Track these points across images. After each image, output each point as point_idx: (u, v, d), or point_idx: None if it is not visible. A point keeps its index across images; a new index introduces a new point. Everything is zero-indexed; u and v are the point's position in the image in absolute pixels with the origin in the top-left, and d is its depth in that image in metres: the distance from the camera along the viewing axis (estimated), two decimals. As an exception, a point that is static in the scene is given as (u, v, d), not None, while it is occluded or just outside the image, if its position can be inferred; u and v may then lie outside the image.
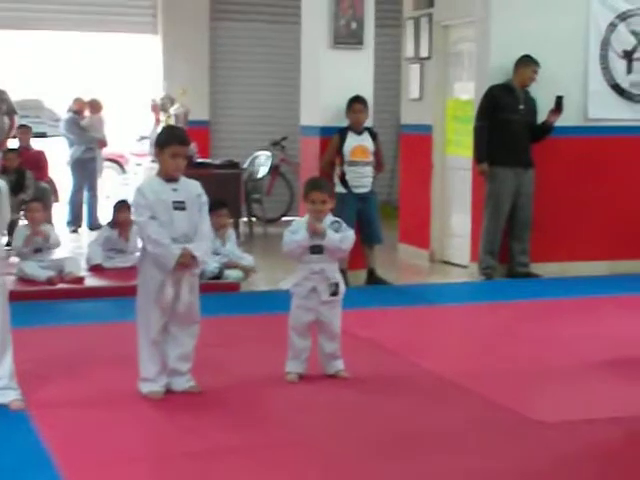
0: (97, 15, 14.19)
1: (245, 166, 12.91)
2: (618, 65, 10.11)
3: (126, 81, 16.04)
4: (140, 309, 5.63)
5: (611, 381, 6.17)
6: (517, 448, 4.89)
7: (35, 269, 8.79)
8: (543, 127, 9.72)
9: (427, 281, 10.11)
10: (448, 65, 10.82)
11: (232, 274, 8.95)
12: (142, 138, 14.01)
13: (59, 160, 13.14)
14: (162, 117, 12.76)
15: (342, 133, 9.13)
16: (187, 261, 5.51)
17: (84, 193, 12.96)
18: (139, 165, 14.15)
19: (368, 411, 5.46)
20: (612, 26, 10.06)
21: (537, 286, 9.46)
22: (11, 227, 9.18)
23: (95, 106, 13.13)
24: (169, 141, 5.59)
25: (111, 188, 14.83)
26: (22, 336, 6.57)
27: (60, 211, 12.62)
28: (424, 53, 10.90)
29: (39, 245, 9.01)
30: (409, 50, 11.19)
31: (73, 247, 11.04)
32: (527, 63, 9.60)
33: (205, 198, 5.70)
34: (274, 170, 13.97)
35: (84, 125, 12.89)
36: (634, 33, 10.13)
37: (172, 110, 12.56)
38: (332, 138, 9.16)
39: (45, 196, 11.63)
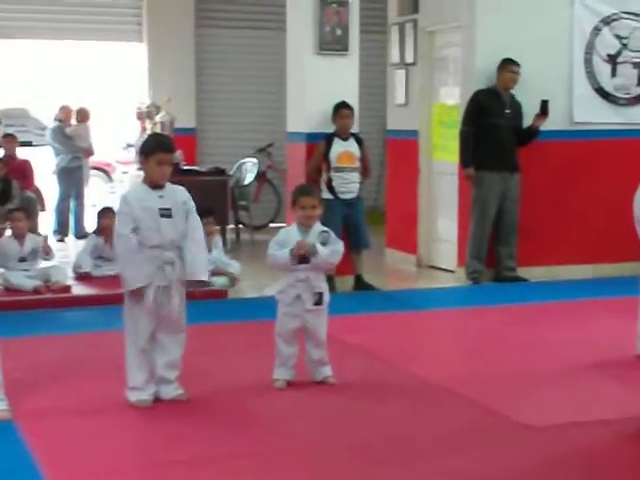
0: (82, 24, 14.18)
1: (232, 173, 12.90)
2: (603, 69, 10.15)
3: (112, 89, 16.02)
4: (127, 317, 5.62)
5: (598, 384, 6.18)
6: (505, 452, 4.89)
7: (21, 279, 8.77)
8: (529, 131, 9.75)
9: (414, 286, 10.12)
10: (433, 70, 10.84)
11: (219, 281, 8.94)
12: (128, 146, 13.99)
13: (45, 169, 13.10)
14: (148, 125, 12.74)
15: (328, 139, 9.14)
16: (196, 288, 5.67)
17: (71, 202, 12.93)
18: (125, 173, 14.13)
19: (357, 417, 5.45)
20: (596, 30, 10.09)
21: (524, 290, 9.47)
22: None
23: (82, 115, 13.10)
24: (154, 149, 5.58)
25: (98, 197, 14.80)
26: (10, 346, 6.56)
27: (46, 220, 12.58)
28: (409, 59, 10.92)
29: (24, 254, 9.00)
30: (394, 56, 11.20)
31: (60, 256, 10.99)
32: (505, 65, 9.63)
33: (192, 204, 5.69)
34: (261, 177, 13.96)
35: (69, 133, 12.87)
36: (618, 37, 10.17)
37: (158, 118, 12.54)
38: (318, 144, 9.17)
39: (31, 205, 11.60)
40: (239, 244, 12.57)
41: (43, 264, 9.17)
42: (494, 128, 9.58)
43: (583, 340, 7.30)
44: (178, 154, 11.23)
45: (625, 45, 10.20)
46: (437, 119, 10.82)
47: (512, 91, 9.72)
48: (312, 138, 9.28)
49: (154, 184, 5.57)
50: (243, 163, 13.57)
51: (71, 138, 12.86)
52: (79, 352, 6.89)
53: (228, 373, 6.32)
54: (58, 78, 16.46)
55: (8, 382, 5.49)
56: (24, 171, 12.06)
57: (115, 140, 15.08)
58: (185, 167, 11.98)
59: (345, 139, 9.18)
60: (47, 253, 9.17)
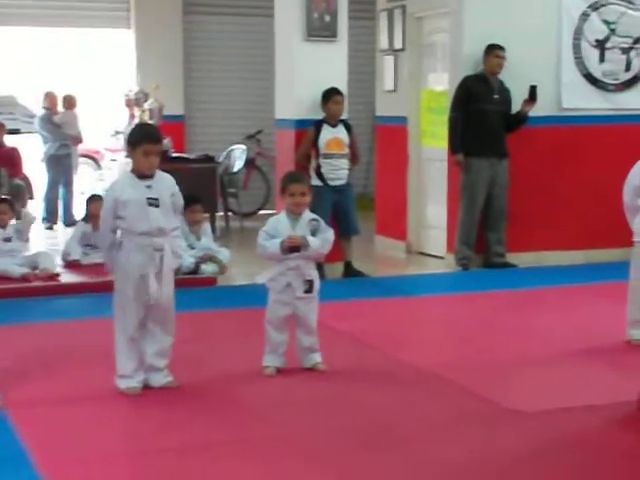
0: (70, 10, 14.13)
1: (220, 160, 12.88)
2: (591, 54, 10.15)
3: (100, 76, 15.95)
4: (117, 305, 5.61)
5: (588, 369, 6.20)
6: (495, 438, 4.91)
7: (9, 265, 8.75)
8: (517, 117, 9.75)
9: (404, 273, 10.13)
10: (422, 56, 10.83)
11: (208, 269, 8.94)
12: (117, 133, 13.95)
13: (33, 157, 13.07)
14: (136, 112, 12.71)
15: (317, 126, 9.13)
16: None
17: (59, 189, 12.90)
18: (114, 160, 14.10)
19: (346, 403, 5.46)
20: (584, 16, 10.09)
21: (513, 276, 9.49)
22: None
23: (69, 102, 13.06)
24: (141, 140, 5.55)
25: (86, 184, 14.76)
26: (-2, 334, 6.58)
27: (35, 208, 12.55)
28: (398, 45, 10.91)
29: (8, 235, 9.04)
30: (383, 42, 11.19)
31: (49, 244, 11.00)
32: (490, 50, 9.64)
33: (180, 201, 5.69)
34: (250, 164, 13.95)
35: (57, 121, 12.83)
36: (606, 22, 10.17)
37: (146, 105, 12.52)
38: (307, 131, 9.16)
39: (19, 193, 11.58)
40: (228, 231, 12.55)
41: (31, 251, 9.18)
42: (483, 114, 9.58)
43: (572, 326, 7.32)
44: (167, 141, 11.22)
45: (613, 30, 10.20)
46: (426, 105, 10.81)
47: (500, 77, 9.72)
48: (301, 125, 9.27)
49: (141, 174, 5.55)
50: (232, 150, 13.54)
51: (59, 126, 12.82)
52: (68, 340, 6.88)
53: (218, 360, 6.32)
54: (46, 65, 16.38)
55: (-3, 371, 5.49)
56: (12, 159, 12.02)
57: (103, 127, 15.02)
58: (174, 154, 11.96)
59: (334, 125, 9.17)
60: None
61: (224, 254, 9.24)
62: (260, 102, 14.00)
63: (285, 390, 5.71)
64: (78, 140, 13.14)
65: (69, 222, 12.59)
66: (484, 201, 9.70)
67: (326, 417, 5.23)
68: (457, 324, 7.68)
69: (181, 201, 5.73)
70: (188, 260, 8.70)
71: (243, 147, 13.58)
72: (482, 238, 9.80)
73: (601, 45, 10.18)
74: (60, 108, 13.00)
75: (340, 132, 9.20)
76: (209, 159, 12.06)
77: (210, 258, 9.02)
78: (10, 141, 12.59)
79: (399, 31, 10.87)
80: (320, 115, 9.16)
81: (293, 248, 5.86)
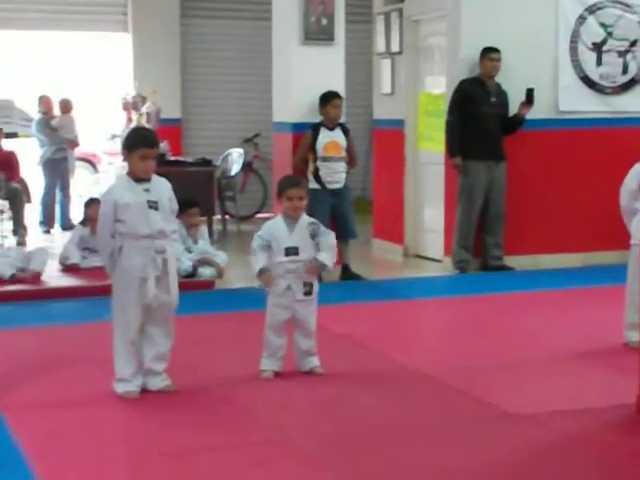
0: (67, 14, 14.13)
1: (218, 163, 12.88)
2: (588, 57, 10.16)
3: (97, 80, 15.96)
4: (116, 308, 5.60)
5: (586, 372, 6.20)
6: (492, 440, 4.90)
7: (1, 264, 8.76)
8: (514, 120, 9.75)
9: (401, 276, 10.12)
10: (419, 60, 10.84)
11: (206, 272, 8.95)
12: (114, 137, 13.95)
13: (31, 160, 13.07)
14: (134, 116, 12.71)
15: (314, 129, 9.13)
16: None
17: (56, 193, 12.90)
18: (111, 164, 14.10)
19: (344, 406, 5.46)
20: (581, 19, 10.10)
21: (511, 279, 9.49)
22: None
23: (65, 106, 13.06)
24: (137, 144, 5.55)
25: (84, 187, 14.76)
26: (-4, 338, 6.57)
27: (32, 211, 12.55)
28: (395, 48, 10.91)
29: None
30: (380, 45, 11.19)
31: (46, 247, 10.97)
32: (485, 53, 9.65)
33: (175, 205, 5.69)
34: (247, 167, 13.95)
35: (55, 125, 12.82)
36: (603, 25, 10.18)
37: (144, 108, 12.52)
38: (305, 134, 9.16)
39: (16, 197, 11.58)
40: (226, 235, 12.56)
41: (28, 247, 9.22)
42: (480, 117, 9.59)
43: (570, 329, 7.32)
44: (164, 145, 11.22)
45: (610, 34, 10.21)
46: (423, 108, 10.81)
47: (497, 80, 9.73)
48: (298, 128, 9.28)
49: (138, 178, 5.55)
50: (229, 153, 13.54)
51: (56, 129, 12.81)
52: (66, 344, 6.88)
53: (216, 364, 6.31)
54: (43, 69, 16.39)
55: (-5, 374, 5.48)
56: (10, 163, 12.02)
57: (101, 131, 15.03)
58: (171, 158, 11.96)
59: (332, 129, 9.17)
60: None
61: (221, 257, 9.24)
62: (257, 105, 14.01)
63: (283, 393, 5.71)
64: (75, 144, 13.14)
65: (66, 226, 12.58)
66: (482, 204, 9.70)
67: (324, 420, 5.23)
68: (455, 327, 7.68)
69: (176, 205, 5.73)
70: (186, 263, 8.71)
71: (240, 150, 13.59)
72: (480, 241, 9.80)
73: (598, 48, 10.19)
74: (57, 112, 12.99)
75: (338, 135, 9.20)
76: (206, 162, 12.06)
77: (208, 262, 9.02)
78: (7, 145, 12.61)
79: (396, 34, 10.87)
80: (317, 118, 9.17)
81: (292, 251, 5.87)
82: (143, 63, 14.16)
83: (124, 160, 5.93)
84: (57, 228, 12.83)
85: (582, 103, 10.19)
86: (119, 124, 13.49)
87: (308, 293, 5.95)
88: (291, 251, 5.89)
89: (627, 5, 10.23)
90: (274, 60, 9.81)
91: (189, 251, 8.96)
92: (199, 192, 10.45)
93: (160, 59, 14.09)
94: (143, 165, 5.51)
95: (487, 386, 5.83)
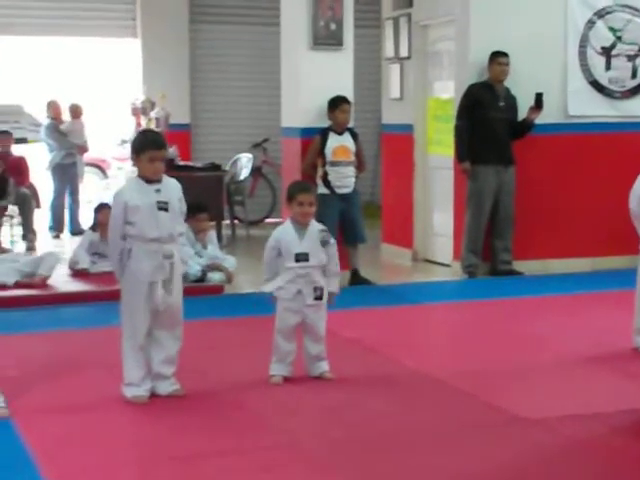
0: (77, 20, 14.16)
1: (227, 168, 12.89)
2: (597, 62, 10.15)
3: (106, 85, 16.00)
4: (125, 313, 5.61)
5: (595, 377, 6.19)
6: (501, 445, 4.90)
7: (4, 274, 8.75)
8: (523, 124, 9.75)
9: (410, 280, 10.12)
10: (428, 64, 10.84)
11: (215, 277, 8.95)
12: (123, 142, 13.97)
13: (40, 166, 13.10)
14: (143, 121, 12.74)
15: (323, 134, 9.13)
16: None
17: (66, 198, 12.92)
18: (120, 169, 14.12)
19: (353, 411, 5.46)
20: (590, 23, 10.09)
21: (520, 284, 9.48)
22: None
23: (75, 111, 13.09)
24: (145, 146, 5.56)
25: (93, 193, 14.79)
26: (6, 343, 6.58)
27: (42, 217, 12.58)
28: (404, 53, 10.92)
29: None
30: (389, 50, 11.20)
31: (56, 252, 10.99)
32: (493, 58, 9.64)
33: (184, 207, 5.70)
34: (256, 172, 13.96)
35: (64, 130, 12.85)
36: (612, 29, 10.17)
37: (153, 114, 12.54)
38: (314, 139, 9.16)
39: (25, 202, 11.61)
40: (235, 239, 12.57)
41: (37, 252, 9.23)
42: (488, 122, 9.58)
43: (579, 333, 7.31)
44: (173, 150, 11.24)
45: (619, 38, 10.20)
46: (432, 113, 10.81)
47: (506, 84, 9.72)
48: (307, 133, 9.28)
49: (148, 179, 5.56)
50: (238, 158, 13.56)
51: (65, 135, 12.84)
52: (75, 348, 6.89)
53: (224, 368, 6.32)
54: (53, 74, 16.44)
55: (4, 379, 5.50)
56: (19, 168, 12.06)
57: (110, 136, 15.06)
58: (180, 163, 11.98)
59: (340, 133, 9.17)
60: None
61: (230, 262, 9.24)
62: (266, 110, 14.02)
63: (292, 398, 5.71)
64: (84, 149, 13.17)
65: (75, 231, 12.61)
66: (491, 209, 9.69)
67: (333, 425, 5.23)
68: (464, 332, 7.67)
69: (185, 207, 5.74)
70: (195, 268, 8.72)
71: (249, 155, 13.60)
72: (489, 246, 9.79)
73: (607, 52, 10.18)
74: (66, 117, 13.03)
75: (346, 140, 9.20)
76: (215, 167, 12.07)
77: (217, 267, 9.02)
78: (17, 150, 12.64)
79: (405, 39, 10.88)
80: (326, 123, 9.17)
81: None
82: (152, 68, 14.18)
83: (133, 164, 5.92)
84: (66, 233, 12.85)
85: (591, 107, 10.17)
86: (128, 129, 13.51)
87: (319, 298, 5.95)
88: (301, 257, 5.90)
89: (636, 9, 10.21)
90: (283, 65, 9.81)
91: (199, 256, 8.97)
92: (208, 197, 10.45)
93: (169, 64, 14.10)
94: (152, 167, 5.52)
95: (496, 390, 5.82)
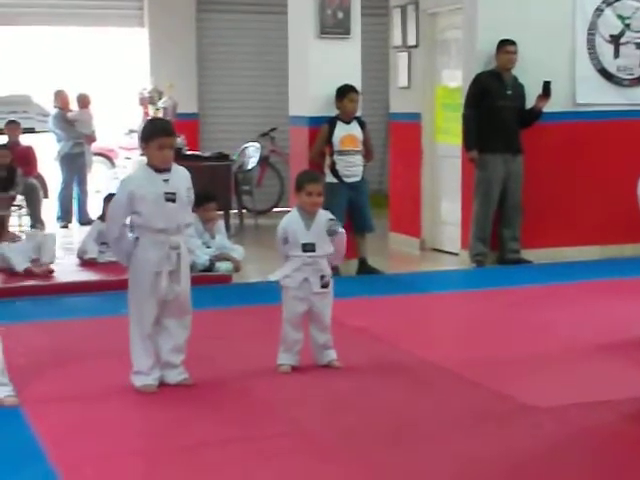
0: (83, 9, 14.18)
1: (235, 158, 12.89)
2: (605, 50, 10.12)
3: (114, 75, 16.00)
4: (132, 302, 5.61)
5: (603, 364, 6.18)
6: (511, 433, 4.90)
7: (15, 256, 8.80)
8: (532, 113, 9.73)
9: (418, 269, 10.12)
10: (436, 53, 10.82)
11: (222, 266, 8.95)
12: (131, 132, 13.99)
13: (48, 156, 13.11)
14: (150, 110, 12.74)
15: (331, 123, 9.12)
16: None
17: (74, 188, 12.93)
18: (128, 159, 14.13)
19: (362, 400, 5.46)
20: (599, 11, 10.07)
21: (528, 272, 9.47)
22: (1, 223, 9.18)
23: (83, 100, 13.08)
24: (154, 134, 5.55)
25: (101, 182, 14.80)
26: (14, 332, 6.59)
27: (50, 207, 12.60)
28: (411, 41, 10.90)
29: None
30: (396, 38, 11.18)
31: (64, 242, 11.02)
32: (501, 46, 9.63)
33: (192, 197, 5.69)
34: (264, 161, 13.95)
35: (71, 118, 12.85)
36: (620, 17, 10.14)
37: (160, 103, 12.54)
38: (321, 128, 9.15)
39: (33, 192, 11.62)
40: (243, 229, 12.57)
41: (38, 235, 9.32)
42: (496, 110, 9.56)
43: (588, 321, 7.30)
44: (181, 139, 11.24)
45: (628, 25, 10.17)
46: (440, 102, 10.80)
47: (514, 73, 9.70)
48: (315, 122, 9.27)
49: (158, 168, 5.55)
50: (246, 148, 13.55)
51: (73, 124, 12.83)
52: (84, 337, 6.90)
53: (233, 358, 6.33)
54: (60, 64, 16.44)
55: (13, 368, 5.50)
56: (27, 158, 12.08)
57: (118, 126, 15.06)
58: (188, 152, 11.98)
59: (348, 122, 9.16)
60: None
61: (238, 252, 9.24)
62: (274, 99, 14.00)
63: (300, 387, 5.71)
64: (92, 139, 13.17)
65: (84, 221, 12.63)
66: (499, 197, 9.68)
67: (341, 414, 5.23)
68: (472, 321, 7.67)
69: (193, 196, 5.72)
70: (203, 258, 8.72)
71: (257, 145, 13.59)
72: (497, 234, 9.78)
73: (615, 40, 10.16)
74: (74, 107, 13.03)
75: (354, 129, 9.19)
76: (223, 157, 12.07)
77: (225, 257, 9.02)
78: (25, 140, 12.65)
79: (412, 28, 10.86)
80: (334, 112, 9.15)
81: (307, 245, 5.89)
82: (159, 58, 14.18)
83: (142, 152, 5.92)
84: (75, 223, 12.87)
85: (599, 95, 10.15)
86: (136, 119, 13.52)
87: (325, 285, 5.95)
88: (308, 247, 5.89)
89: (645, -3, 10.20)
90: (290, 54, 9.80)
91: (207, 246, 8.97)
92: (216, 186, 10.46)
93: (176, 54, 14.10)
94: (161, 155, 5.51)
95: (505, 379, 5.82)
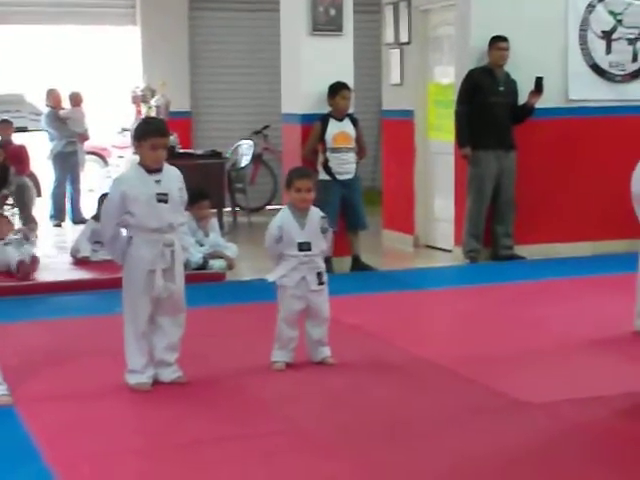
0: (76, 7, 14.19)
1: (228, 155, 12.89)
2: (597, 46, 10.14)
3: (106, 73, 15.97)
4: (126, 301, 5.61)
5: (596, 360, 6.20)
6: (503, 429, 4.91)
7: (9, 254, 8.79)
8: (524, 109, 9.74)
9: (412, 266, 10.12)
10: (428, 50, 10.83)
11: (216, 264, 8.95)
12: (124, 130, 13.97)
13: (41, 154, 13.09)
14: (143, 109, 12.72)
15: (323, 120, 9.12)
16: None
17: (67, 187, 12.92)
18: (121, 157, 14.11)
19: (356, 397, 5.47)
20: (590, 7, 10.08)
21: (521, 268, 9.49)
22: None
23: (76, 99, 13.07)
24: (147, 133, 5.54)
25: (94, 181, 14.79)
26: (8, 331, 6.59)
27: (43, 205, 12.58)
28: (404, 38, 10.90)
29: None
30: (389, 35, 11.18)
31: (57, 241, 11.02)
32: (493, 42, 9.63)
33: (185, 196, 5.69)
34: (257, 159, 13.96)
35: (63, 115, 12.83)
36: (612, 13, 10.16)
37: (153, 101, 12.53)
38: (314, 125, 9.16)
39: (23, 191, 11.59)
40: (236, 227, 12.57)
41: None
42: (489, 106, 9.57)
43: (581, 317, 7.32)
44: (173, 137, 11.23)
45: (620, 21, 10.19)
46: (432, 98, 10.80)
47: (507, 69, 9.71)
48: (307, 119, 9.27)
49: (149, 168, 5.55)
50: (239, 145, 13.55)
51: (65, 123, 12.82)
52: (78, 336, 6.90)
53: (227, 355, 6.33)
54: (52, 63, 16.41)
55: (7, 367, 5.50)
56: (20, 156, 12.04)
57: (110, 124, 15.04)
58: (181, 150, 11.97)
59: (340, 120, 9.17)
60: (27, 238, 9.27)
61: (232, 249, 9.24)
62: (266, 97, 14.01)
63: (295, 384, 5.72)
64: (85, 137, 13.16)
65: (77, 219, 12.62)
66: (492, 194, 9.69)
67: (336, 411, 5.23)
68: (466, 317, 7.68)
69: (186, 196, 5.73)
70: (196, 256, 8.72)
71: (250, 142, 13.60)
72: (490, 231, 9.79)
73: (607, 36, 10.17)
74: (67, 105, 13.01)
75: (347, 126, 9.19)
76: (216, 155, 12.07)
77: (218, 254, 9.02)
78: (18, 139, 12.63)
79: (405, 24, 10.86)
80: (326, 109, 9.16)
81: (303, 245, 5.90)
82: (152, 56, 14.18)
83: (135, 151, 5.92)
84: (68, 222, 12.85)
85: (592, 91, 10.16)
86: (129, 117, 13.50)
87: (322, 283, 5.96)
88: (304, 247, 5.89)
89: (636, -7, 10.21)
90: (282, 51, 9.80)
91: (201, 244, 8.97)
92: (209, 184, 10.45)
93: (169, 52, 14.10)
94: (154, 154, 5.51)
95: (498, 375, 5.83)
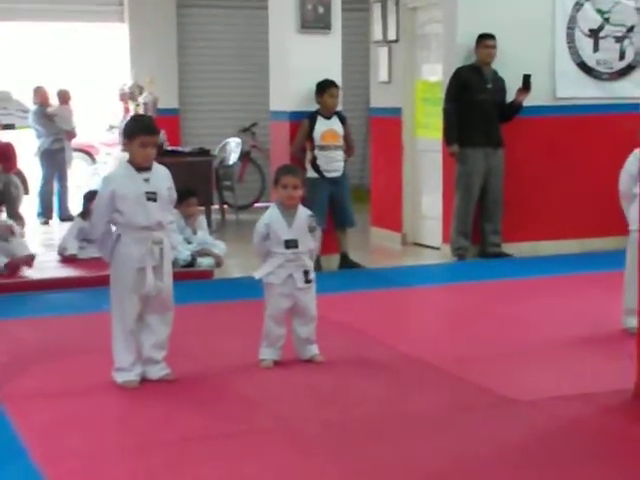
0: (63, 4, 14.12)
1: (216, 153, 12.87)
2: (585, 44, 10.16)
3: (94, 71, 15.94)
4: (114, 299, 5.61)
5: (584, 358, 6.21)
6: (491, 426, 4.92)
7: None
8: (512, 106, 9.75)
9: (400, 263, 10.13)
10: (416, 47, 10.83)
11: (204, 262, 8.95)
12: (111, 127, 13.94)
13: (28, 151, 13.06)
14: (131, 106, 12.71)
15: (311, 118, 9.12)
16: None
17: (54, 184, 12.89)
18: (109, 155, 14.09)
19: (344, 394, 5.47)
20: (578, 5, 10.10)
21: (509, 266, 9.51)
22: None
23: (63, 96, 13.05)
24: (137, 131, 5.54)
25: (81, 178, 14.75)
26: (-5, 329, 6.58)
27: (30, 203, 12.55)
28: (392, 36, 10.91)
29: None
30: (377, 33, 11.18)
31: (45, 239, 11.00)
32: (480, 40, 9.65)
33: (174, 195, 5.69)
34: (245, 156, 13.95)
35: (50, 112, 12.80)
36: (600, 11, 10.18)
37: (141, 99, 12.51)
38: (302, 123, 9.15)
39: (10, 188, 11.54)
40: (224, 224, 12.56)
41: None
42: (476, 104, 9.58)
43: (568, 315, 7.33)
44: (161, 135, 11.21)
45: (607, 19, 10.21)
46: (420, 96, 10.81)
47: (494, 67, 9.73)
48: (295, 117, 9.27)
49: (139, 166, 5.55)
50: (227, 143, 13.53)
51: (53, 120, 12.79)
52: (65, 334, 6.89)
53: (215, 353, 6.33)
54: (40, 60, 16.37)
55: (-5, 365, 5.49)
56: (7, 154, 11.99)
57: (98, 122, 15.01)
58: (169, 148, 11.95)
59: (328, 117, 9.16)
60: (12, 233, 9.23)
61: (220, 247, 9.25)
62: (255, 94, 13.99)
63: (283, 382, 5.72)
64: (72, 135, 13.13)
65: (64, 217, 12.59)
66: (479, 191, 9.71)
67: (324, 408, 5.23)
68: (453, 314, 7.69)
69: (175, 195, 5.73)
70: (184, 253, 8.72)
71: (238, 140, 13.58)
72: (478, 228, 9.81)
73: (595, 34, 10.19)
74: (54, 103, 12.98)
75: (335, 124, 9.19)
76: (204, 152, 12.04)
77: (206, 252, 9.02)
78: (5, 136, 12.59)
79: (393, 22, 10.87)
80: (314, 107, 9.15)
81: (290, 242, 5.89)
82: (140, 53, 14.15)
83: (124, 149, 5.92)
84: (55, 219, 12.82)
85: (579, 89, 10.19)
86: (116, 115, 13.48)
87: (309, 281, 5.95)
88: (291, 244, 5.89)
89: (623, -9, 10.23)
90: (271, 49, 9.79)
91: (189, 242, 8.97)
92: (197, 182, 10.44)
93: (157, 49, 14.07)
94: (143, 153, 5.51)
95: (486, 372, 5.84)
